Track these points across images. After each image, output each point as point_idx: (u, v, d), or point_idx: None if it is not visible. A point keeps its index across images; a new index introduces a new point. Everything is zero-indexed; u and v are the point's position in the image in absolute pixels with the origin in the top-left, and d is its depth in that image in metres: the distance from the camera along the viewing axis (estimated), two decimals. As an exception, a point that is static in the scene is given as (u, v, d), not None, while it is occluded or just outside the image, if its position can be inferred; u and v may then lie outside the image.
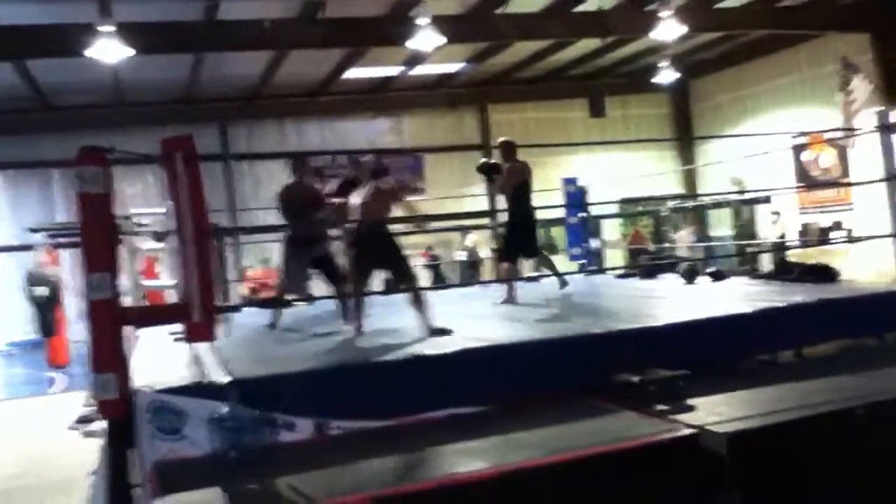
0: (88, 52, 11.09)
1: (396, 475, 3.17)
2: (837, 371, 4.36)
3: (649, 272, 8.50)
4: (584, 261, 9.82)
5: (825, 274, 6.51)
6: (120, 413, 3.39)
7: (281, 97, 18.03)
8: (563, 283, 7.47)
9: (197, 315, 3.73)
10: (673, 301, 6.35)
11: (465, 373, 4.16)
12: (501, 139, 7.52)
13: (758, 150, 11.74)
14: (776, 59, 17.80)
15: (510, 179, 7.22)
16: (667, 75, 18.39)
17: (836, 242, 14.04)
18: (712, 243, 16.54)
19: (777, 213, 14.19)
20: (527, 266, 9.79)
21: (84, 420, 7.92)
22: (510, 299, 7.01)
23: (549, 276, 7.84)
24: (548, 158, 17.77)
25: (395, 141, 19.11)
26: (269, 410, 3.60)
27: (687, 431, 3.46)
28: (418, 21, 11.97)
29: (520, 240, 7.43)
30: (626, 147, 19.62)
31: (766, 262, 12.69)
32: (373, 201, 5.54)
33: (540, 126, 19.80)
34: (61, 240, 12.67)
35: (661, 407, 3.80)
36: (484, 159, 7.74)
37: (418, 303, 5.29)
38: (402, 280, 5.58)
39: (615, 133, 20.13)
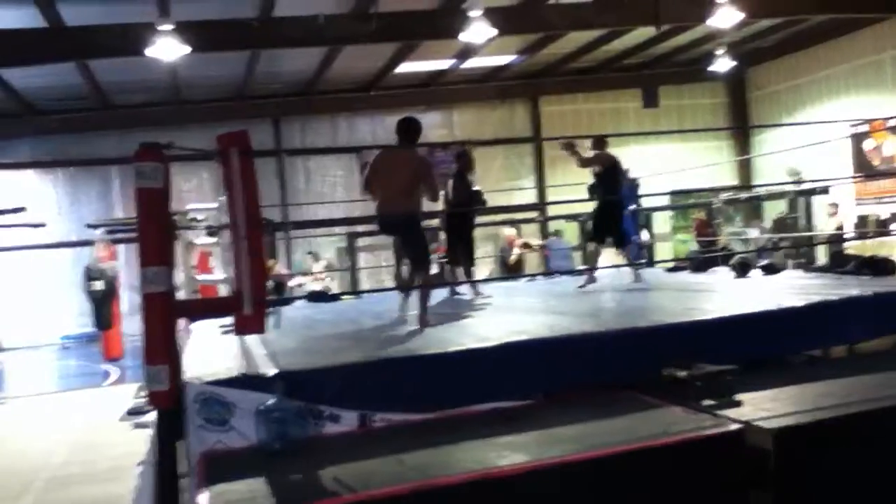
0: (148, 52, 11.37)
1: (439, 467, 3.19)
2: (890, 367, 4.25)
3: (700, 266, 8.38)
4: (632, 254, 9.68)
5: (883, 267, 6.33)
6: (169, 404, 3.47)
7: (333, 93, 18.22)
8: (590, 281, 7.66)
9: (247, 308, 3.80)
10: (723, 295, 6.25)
11: (509, 366, 4.16)
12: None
13: (816, 139, 11.46)
14: (836, 46, 17.33)
15: (595, 162, 7.83)
16: (722, 64, 18.06)
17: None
18: (771, 236, 16.21)
19: (835, 205, 13.81)
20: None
21: (135, 412, 8.13)
22: (591, 280, 7.62)
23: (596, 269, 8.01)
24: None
25: (446, 134, 19.14)
26: (315, 402, 3.66)
27: (733, 427, 3.41)
28: (470, 13, 11.97)
29: (598, 225, 7.98)
30: (681, 138, 19.34)
31: (823, 255, 12.38)
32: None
33: (591, 118, 19.63)
34: (119, 235, 13.01)
35: (707, 402, 3.75)
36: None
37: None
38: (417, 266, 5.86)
39: (669, 124, 19.86)
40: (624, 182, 8.40)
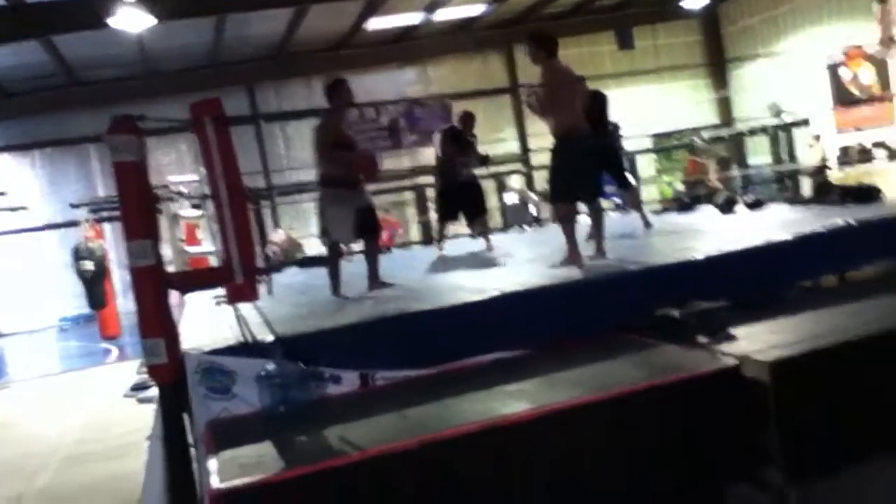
0: (112, 22, 11.13)
1: (442, 420, 3.22)
2: (882, 294, 4.29)
3: (686, 205, 8.42)
4: (618, 199, 9.70)
5: (867, 195, 6.38)
6: (171, 377, 3.48)
7: (305, 53, 17.97)
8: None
9: (238, 277, 3.79)
10: (711, 233, 6.29)
11: (505, 317, 4.18)
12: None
13: (793, 70, 11.43)
14: (808, -25, 17.19)
15: None
16: (696, 1, 17.91)
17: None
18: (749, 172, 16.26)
19: (817, 137, 13.84)
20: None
21: (138, 387, 8.15)
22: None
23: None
24: (578, 96, 17.49)
25: (423, 90, 18.96)
26: (315, 365, 3.67)
27: (730, 361, 3.45)
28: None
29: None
30: (658, 78, 19.24)
31: (807, 188, 12.45)
32: None
33: (567, 63, 19.43)
34: (103, 213, 12.89)
35: (703, 339, 3.79)
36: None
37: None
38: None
39: (645, 64, 19.76)
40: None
